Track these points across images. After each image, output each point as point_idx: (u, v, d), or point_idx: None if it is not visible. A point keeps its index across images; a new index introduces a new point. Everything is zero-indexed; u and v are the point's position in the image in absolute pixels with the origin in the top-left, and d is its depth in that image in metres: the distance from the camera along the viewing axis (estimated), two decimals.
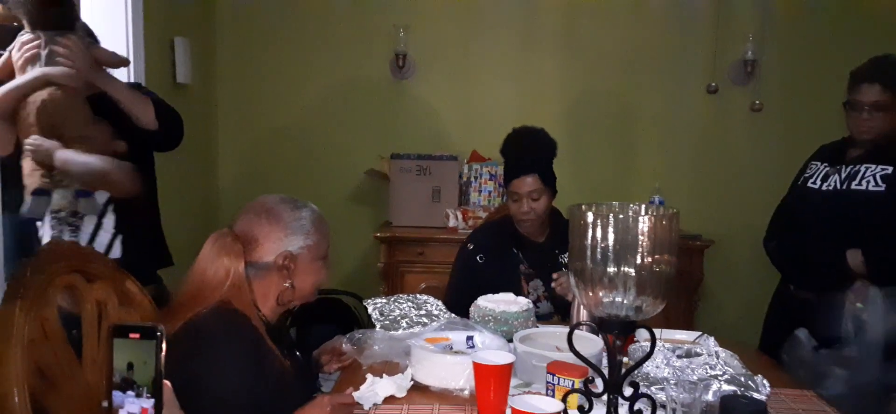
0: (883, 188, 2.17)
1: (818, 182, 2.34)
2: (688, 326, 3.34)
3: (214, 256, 1.38)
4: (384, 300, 1.95)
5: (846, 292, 2.12)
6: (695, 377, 1.42)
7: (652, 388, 1.44)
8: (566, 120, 3.70)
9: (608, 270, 1.10)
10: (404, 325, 1.80)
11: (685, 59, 3.67)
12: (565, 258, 2.24)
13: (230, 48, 3.75)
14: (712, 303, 3.66)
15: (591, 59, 3.71)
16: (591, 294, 1.13)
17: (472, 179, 3.62)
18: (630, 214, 1.12)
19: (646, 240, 1.09)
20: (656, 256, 1.10)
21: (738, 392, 1.36)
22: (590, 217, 1.11)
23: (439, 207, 3.48)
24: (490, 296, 1.95)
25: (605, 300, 1.12)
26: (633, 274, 1.10)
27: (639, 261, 1.10)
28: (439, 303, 1.98)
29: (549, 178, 2.26)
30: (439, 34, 3.71)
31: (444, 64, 3.73)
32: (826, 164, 2.36)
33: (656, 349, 1.61)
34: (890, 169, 2.19)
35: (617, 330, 1.14)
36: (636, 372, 1.55)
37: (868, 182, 2.21)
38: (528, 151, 2.25)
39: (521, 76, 3.74)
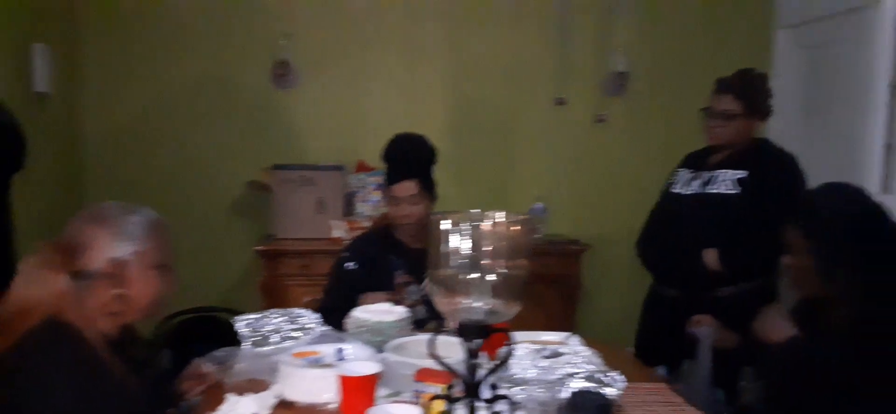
0: (737, 191, 2.33)
1: (682, 187, 2.50)
2: (569, 327, 3.44)
3: (34, 271, 1.30)
4: (256, 315, 1.89)
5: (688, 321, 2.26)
6: (556, 376, 1.47)
7: (516, 389, 1.47)
8: (451, 128, 3.75)
9: (464, 276, 1.12)
10: (275, 340, 1.75)
11: (559, 69, 3.77)
12: None
13: (96, 54, 3.54)
14: (591, 304, 3.80)
15: (473, 69, 3.78)
16: (448, 300, 1.14)
17: (358, 189, 3.59)
18: (485, 220, 1.14)
19: (500, 245, 1.12)
20: (510, 262, 1.13)
21: (593, 388, 1.41)
22: (445, 225, 1.12)
23: (324, 219, 3.43)
24: (368, 306, 1.94)
25: (462, 306, 1.14)
26: (489, 279, 1.12)
27: (493, 266, 1.12)
28: (315, 316, 1.95)
29: (429, 184, 2.29)
30: (322, 43, 3.67)
31: (328, 73, 3.69)
32: (690, 170, 2.52)
33: (524, 352, 1.66)
34: (743, 173, 2.35)
35: (474, 334, 1.16)
36: (503, 374, 1.59)
37: (724, 186, 2.37)
38: (410, 156, 2.28)
39: (406, 85, 3.75)
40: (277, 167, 3.43)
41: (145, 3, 3.55)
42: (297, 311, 1.96)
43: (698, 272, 2.35)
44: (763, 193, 2.30)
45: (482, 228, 1.12)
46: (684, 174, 2.53)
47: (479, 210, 1.14)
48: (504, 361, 1.22)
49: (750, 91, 2.38)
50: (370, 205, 3.57)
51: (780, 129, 3.74)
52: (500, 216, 1.14)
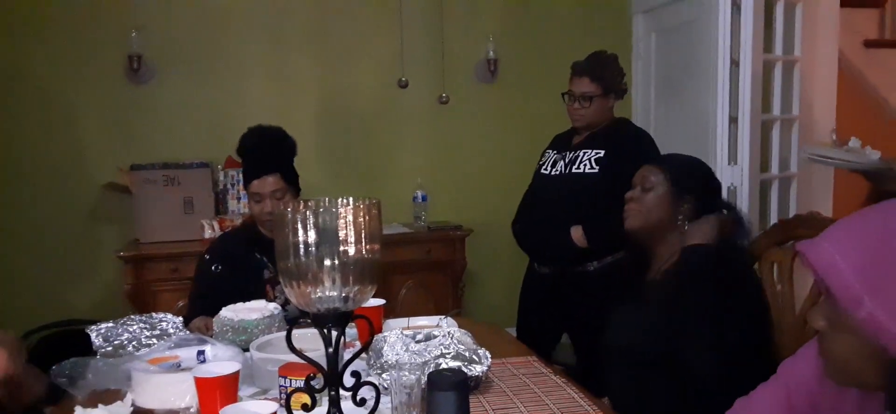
0: (597, 170, 2.44)
1: (549, 168, 2.58)
2: (457, 308, 3.52)
3: None
4: (111, 324, 1.78)
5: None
6: (425, 358, 1.48)
7: (385, 374, 1.47)
8: (324, 119, 3.68)
9: (313, 265, 1.10)
10: (131, 349, 1.66)
11: (431, 58, 3.78)
12: None
13: None
14: (477, 286, 3.87)
15: (344, 58, 3.72)
16: (299, 290, 1.11)
17: (230, 186, 3.46)
18: (332, 207, 1.13)
19: (348, 231, 1.11)
20: (361, 246, 1.12)
21: (462, 366, 1.44)
22: (289, 214, 1.10)
23: (193, 219, 3.28)
24: (237, 305, 1.87)
25: (315, 295, 1.11)
26: (339, 265, 1.11)
27: (343, 252, 1.11)
28: (177, 320, 1.86)
29: (292, 177, 2.22)
30: (178, 35, 3.50)
31: (187, 66, 3.52)
32: (555, 152, 2.61)
33: (397, 337, 1.65)
34: (602, 152, 2.47)
35: (331, 323, 1.14)
36: (377, 361, 1.58)
37: (585, 165, 2.47)
38: (269, 150, 2.20)
39: (275, 76, 3.65)
40: (136, 167, 3.25)
41: None
42: (157, 315, 1.86)
43: (567, 249, 2.44)
44: (620, 171, 2.42)
45: (329, 214, 1.10)
46: (551, 155, 2.62)
47: (326, 197, 1.13)
48: (363, 349, 1.21)
49: (604, 72, 2.50)
50: (243, 201, 3.45)
51: (640, 109, 3.98)
52: (347, 202, 1.13)
